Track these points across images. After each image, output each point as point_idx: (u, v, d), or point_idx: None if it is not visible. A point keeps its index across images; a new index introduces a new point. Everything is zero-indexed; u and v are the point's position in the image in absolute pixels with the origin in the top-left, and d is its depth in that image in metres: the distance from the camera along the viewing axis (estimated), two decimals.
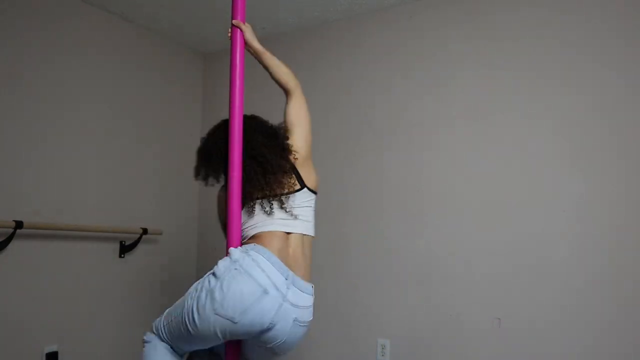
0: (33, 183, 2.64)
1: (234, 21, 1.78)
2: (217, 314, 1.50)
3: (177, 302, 1.66)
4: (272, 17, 3.14)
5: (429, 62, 2.84)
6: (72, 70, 2.85)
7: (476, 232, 2.60)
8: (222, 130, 1.79)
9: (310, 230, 1.76)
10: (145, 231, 3.09)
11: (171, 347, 1.66)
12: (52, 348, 2.65)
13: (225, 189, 1.73)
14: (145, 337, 1.71)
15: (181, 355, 1.70)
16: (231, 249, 1.63)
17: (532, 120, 2.53)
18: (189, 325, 1.55)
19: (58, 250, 2.73)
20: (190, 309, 1.54)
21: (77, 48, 2.89)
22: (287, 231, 1.69)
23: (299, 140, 1.79)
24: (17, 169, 2.59)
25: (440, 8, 2.84)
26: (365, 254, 2.91)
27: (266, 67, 1.83)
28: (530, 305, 2.44)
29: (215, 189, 1.87)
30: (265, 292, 1.53)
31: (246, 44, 1.80)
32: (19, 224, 2.45)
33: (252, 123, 1.78)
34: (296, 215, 1.71)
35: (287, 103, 1.85)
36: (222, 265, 1.57)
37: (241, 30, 1.78)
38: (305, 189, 1.75)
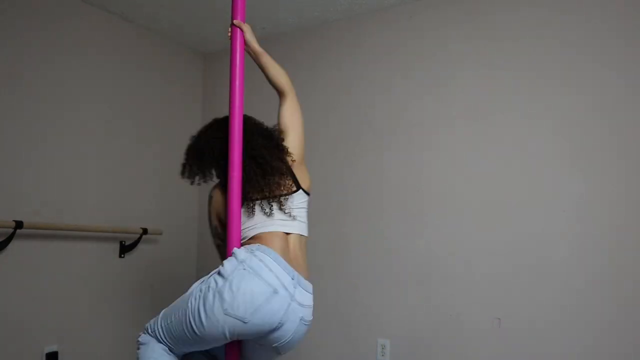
0: (33, 183, 2.64)
1: (235, 21, 1.78)
2: (227, 314, 1.50)
3: (176, 304, 1.65)
4: (272, 17, 3.14)
5: (429, 62, 2.84)
6: (72, 70, 2.85)
7: (476, 232, 2.60)
8: (214, 129, 1.80)
9: (305, 231, 1.79)
10: (145, 231, 3.09)
11: (169, 349, 1.65)
12: (52, 348, 2.65)
13: (225, 189, 1.73)
14: (140, 339, 1.68)
15: (178, 357, 1.69)
16: (235, 250, 1.63)
17: (532, 120, 2.53)
18: (194, 326, 1.54)
19: (58, 250, 2.73)
20: (196, 310, 1.54)
21: (77, 48, 2.89)
22: (286, 232, 1.72)
23: (294, 142, 1.82)
24: (17, 169, 2.59)
25: (440, 8, 2.84)
26: (365, 254, 2.91)
27: (263, 68, 1.84)
28: (530, 305, 2.44)
29: (205, 188, 1.85)
30: (275, 292, 1.55)
31: (245, 44, 1.80)
32: (19, 224, 2.45)
33: (249, 123, 1.78)
34: (294, 216, 1.73)
35: (281, 105, 1.87)
36: (229, 265, 1.57)
37: (242, 30, 1.78)
38: (301, 190, 1.78)
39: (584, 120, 2.41)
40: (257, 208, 1.70)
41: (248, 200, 1.70)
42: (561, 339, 2.36)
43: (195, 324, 1.54)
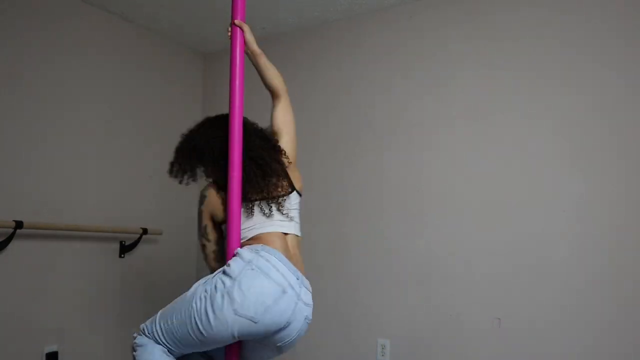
0: (33, 183, 2.64)
1: (235, 21, 1.78)
2: (237, 315, 1.50)
3: (175, 304, 1.63)
4: (272, 17, 3.14)
5: (429, 62, 2.84)
6: (72, 70, 2.85)
7: (476, 232, 2.60)
8: (209, 127, 1.79)
9: (299, 231, 1.81)
10: (145, 231, 3.09)
11: (168, 350, 1.63)
12: (52, 348, 2.65)
13: (220, 189, 1.73)
14: (136, 341, 1.66)
15: (177, 358, 1.68)
16: (239, 250, 1.63)
17: (532, 120, 2.53)
18: (200, 327, 1.53)
19: (58, 250, 2.73)
20: (203, 311, 1.53)
21: (77, 48, 2.89)
22: (284, 232, 1.73)
23: (287, 143, 1.84)
24: (17, 169, 2.59)
25: (440, 8, 2.84)
26: (365, 254, 2.91)
27: (260, 69, 1.85)
28: (530, 305, 2.44)
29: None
30: (284, 291, 1.56)
31: (245, 44, 1.80)
32: (19, 224, 2.45)
33: (246, 124, 1.78)
34: (292, 217, 1.75)
35: (274, 107, 1.89)
36: (236, 265, 1.57)
37: (242, 30, 1.78)
38: (295, 191, 1.79)
39: (584, 120, 2.41)
40: (256, 209, 1.71)
41: (247, 201, 1.70)
42: (561, 339, 2.36)
43: (202, 325, 1.53)
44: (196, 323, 1.54)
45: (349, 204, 2.99)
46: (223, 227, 1.77)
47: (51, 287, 2.68)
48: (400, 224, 2.82)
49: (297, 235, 1.78)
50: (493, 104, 2.63)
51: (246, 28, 1.79)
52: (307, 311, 1.66)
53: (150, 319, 1.67)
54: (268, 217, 1.70)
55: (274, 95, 1.89)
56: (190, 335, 1.56)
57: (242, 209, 1.71)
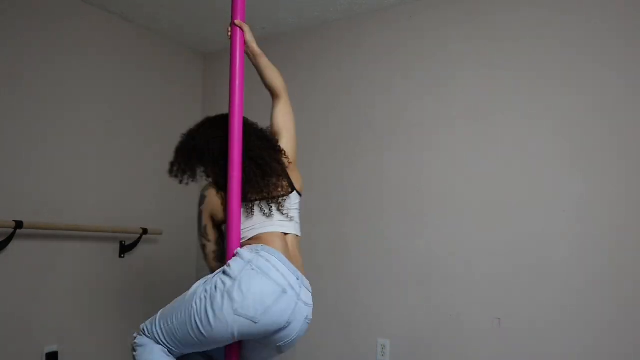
0: (33, 183, 2.64)
1: (236, 21, 1.78)
2: (237, 315, 1.51)
3: (175, 304, 1.63)
4: (272, 17, 3.14)
5: (429, 62, 2.84)
6: (72, 70, 2.85)
7: (476, 232, 2.60)
8: (209, 127, 1.79)
9: (299, 231, 1.81)
10: (145, 231, 3.09)
11: (168, 350, 1.64)
12: (52, 348, 2.65)
13: (220, 189, 1.73)
14: (136, 341, 1.66)
15: (177, 358, 1.68)
16: (239, 250, 1.63)
17: (532, 120, 2.53)
18: (200, 327, 1.53)
19: (58, 250, 2.73)
20: (203, 311, 1.53)
21: (77, 48, 2.89)
22: (284, 232, 1.73)
23: (287, 144, 1.85)
24: (17, 169, 2.59)
25: (440, 8, 2.84)
26: (365, 254, 2.91)
27: (260, 69, 1.86)
28: (530, 305, 2.44)
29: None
30: (284, 291, 1.56)
31: (245, 45, 1.80)
32: (19, 224, 2.45)
33: (245, 124, 1.78)
34: (292, 217, 1.75)
35: (274, 107, 1.90)
36: (236, 265, 1.57)
37: (242, 30, 1.78)
38: (295, 191, 1.79)
39: (584, 120, 2.41)
40: (256, 209, 1.71)
41: (247, 201, 1.70)
42: (561, 339, 2.36)
43: (202, 325, 1.53)
44: (196, 323, 1.54)
45: (349, 204, 2.99)
46: (223, 227, 1.78)
47: (51, 287, 2.68)
48: (400, 224, 2.82)
49: (297, 235, 1.78)
50: (493, 104, 2.63)
51: (246, 28, 1.79)
52: (307, 311, 1.66)
53: (150, 319, 1.67)
54: (268, 217, 1.70)
55: (274, 95, 1.89)
56: (190, 335, 1.56)
57: (242, 209, 1.71)
